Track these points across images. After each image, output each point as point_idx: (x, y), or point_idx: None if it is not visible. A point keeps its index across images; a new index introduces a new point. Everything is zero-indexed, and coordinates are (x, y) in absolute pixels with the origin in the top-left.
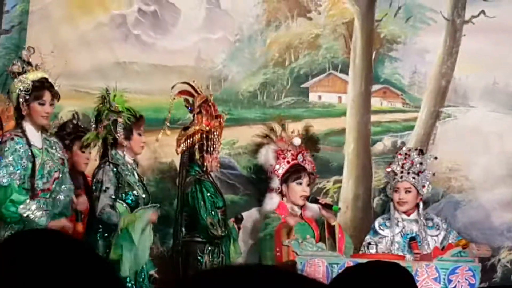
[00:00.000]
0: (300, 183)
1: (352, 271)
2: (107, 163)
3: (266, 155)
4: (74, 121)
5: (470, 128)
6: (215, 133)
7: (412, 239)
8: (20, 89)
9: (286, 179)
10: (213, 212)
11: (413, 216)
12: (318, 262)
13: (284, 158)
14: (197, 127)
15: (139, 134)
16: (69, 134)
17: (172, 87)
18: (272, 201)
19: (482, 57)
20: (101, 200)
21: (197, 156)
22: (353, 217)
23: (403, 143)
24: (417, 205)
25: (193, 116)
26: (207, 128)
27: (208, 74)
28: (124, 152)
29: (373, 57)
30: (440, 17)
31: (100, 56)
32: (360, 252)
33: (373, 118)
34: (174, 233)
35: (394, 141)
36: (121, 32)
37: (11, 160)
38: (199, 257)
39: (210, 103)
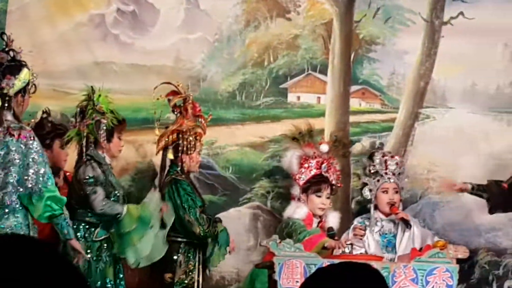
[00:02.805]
0: (320, 196)
1: (323, 272)
2: (92, 160)
3: (290, 160)
4: (50, 119)
5: (449, 129)
6: (191, 133)
7: (392, 204)
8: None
9: (306, 188)
10: (191, 211)
11: (392, 216)
12: (296, 263)
13: (307, 167)
14: (173, 127)
15: (119, 138)
16: (49, 133)
17: (155, 88)
18: (300, 210)
19: (461, 59)
20: (98, 194)
21: (171, 156)
22: None
23: (382, 144)
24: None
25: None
26: (183, 128)
27: (186, 74)
28: (104, 153)
29: (351, 58)
30: (419, 18)
31: (79, 56)
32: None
33: (352, 118)
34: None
35: (372, 141)
36: (99, 32)
37: None
38: (174, 257)
39: (190, 103)
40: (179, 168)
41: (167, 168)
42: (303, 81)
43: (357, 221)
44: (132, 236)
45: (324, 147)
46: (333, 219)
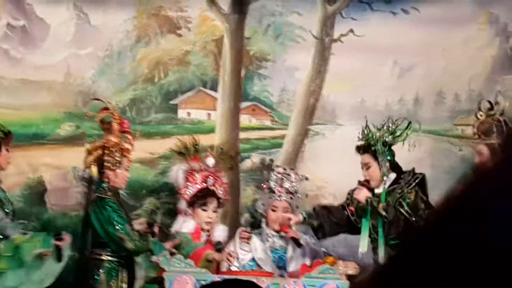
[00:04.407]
0: (206, 210)
1: None
2: None
3: (176, 175)
4: None
5: (338, 146)
6: (116, 149)
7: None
8: None
9: (192, 203)
10: (121, 226)
11: (283, 232)
12: (186, 279)
13: (193, 181)
14: (99, 143)
15: (7, 150)
16: None
17: (85, 104)
18: (187, 224)
19: (351, 76)
20: None
21: (94, 172)
22: None
23: (272, 160)
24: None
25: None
26: (109, 144)
27: (77, 90)
28: None
29: (242, 74)
30: (309, 35)
31: None
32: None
33: (242, 135)
34: (78, 250)
35: (262, 158)
36: None
37: None
38: (95, 275)
39: (117, 119)
40: (105, 185)
41: (94, 184)
42: (193, 97)
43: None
44: (1, 261)
45: (210, 161)
46: (220, 233)
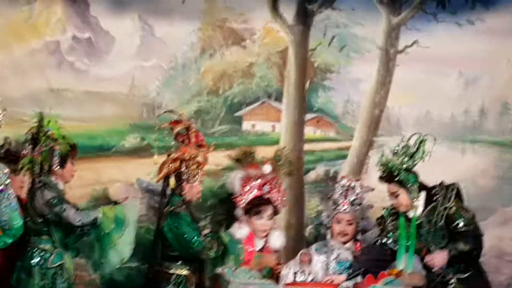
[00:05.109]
0: (261, 218)
1: None
2: (46, 185)
3: (233, 182)
4: (6, 146)
5: None
6: (193, 161)
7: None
8: None
9: (248, 210)
10: (196, 240)
11: (349, 244)
12: None
13: (248, 189)
14: (176, 155)
15: (72, 163)
16: (2, 159)
17: (158, 116)
18: (242, 230)
19: (415, 87)
20: (69, 209)
21: (173, 184)
22: (285, 246)
23: (336, 172)
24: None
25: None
26: (186, 156)
27: (141, 102)
28: (57, 180)
29: (306, 86)
30: (374, 46)
31: (34, 82)
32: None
33: (306, 146)
34: (148, 261)
35: (327, 170)
36: (55, 59)
37: None
38: None
39: (193, 132)
40: (180, 198)
41: (168, 196)
42: (258, 109)
43: (314, 248)
44: (112, 236)
45: (267, 168)
46: (276, 240)
